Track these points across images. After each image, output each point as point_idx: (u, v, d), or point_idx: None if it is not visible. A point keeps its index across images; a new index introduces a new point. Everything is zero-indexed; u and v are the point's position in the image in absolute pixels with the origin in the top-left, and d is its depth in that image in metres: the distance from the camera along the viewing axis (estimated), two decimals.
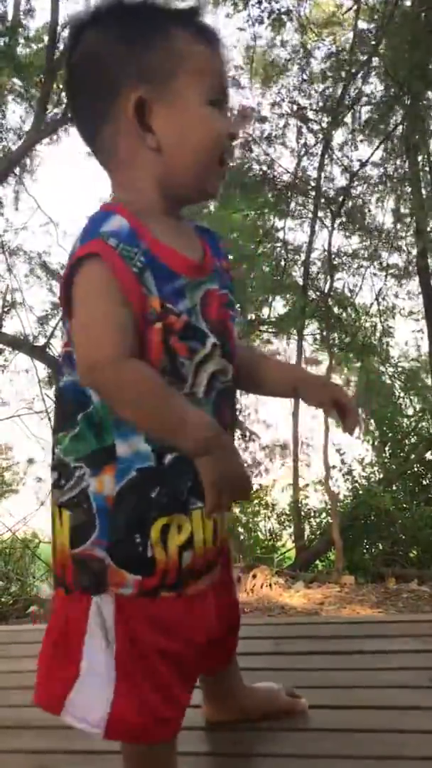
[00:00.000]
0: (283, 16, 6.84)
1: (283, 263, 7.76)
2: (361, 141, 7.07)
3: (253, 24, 6.92)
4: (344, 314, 8.01)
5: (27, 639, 2.01)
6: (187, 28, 0.97)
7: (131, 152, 0.97)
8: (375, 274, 7.99)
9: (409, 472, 7.48)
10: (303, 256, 7.77)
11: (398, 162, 7.16)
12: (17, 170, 8.04)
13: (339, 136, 7.39)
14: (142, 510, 0.95)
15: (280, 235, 7.83)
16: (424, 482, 7.58)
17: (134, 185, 0.98)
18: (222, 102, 0.99)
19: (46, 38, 7.33)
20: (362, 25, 7.27)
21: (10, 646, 1.96)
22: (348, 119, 7.09)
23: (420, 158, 7.37)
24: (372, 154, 6.90)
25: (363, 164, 6.92)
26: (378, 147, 6.84)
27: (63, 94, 7.64)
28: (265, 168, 7.17)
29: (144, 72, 0.95)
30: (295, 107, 7.04)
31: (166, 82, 0.95)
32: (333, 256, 7.33)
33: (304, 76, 7.32)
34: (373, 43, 6.74)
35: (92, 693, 0.95)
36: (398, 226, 7.39)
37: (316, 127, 7.30)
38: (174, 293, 0.94)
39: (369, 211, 7.48)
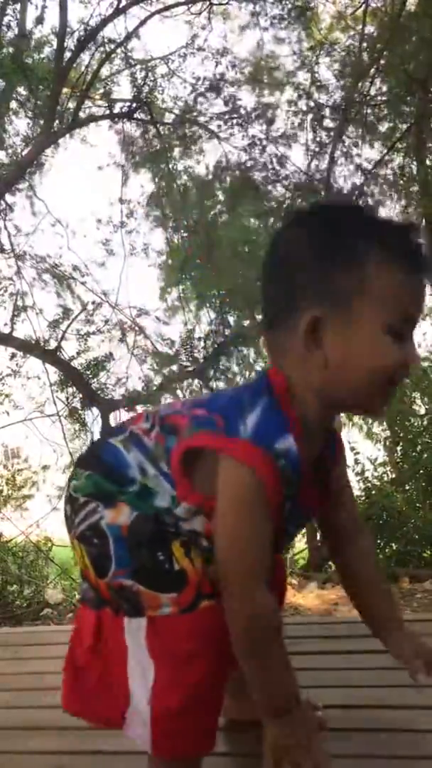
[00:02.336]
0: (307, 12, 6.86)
1: None
2: (370, 141, 7.07)
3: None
4: None
5: (40, 641, 2.03)
6: (388, 249, 0.93)
7: (300, 359, 0.96)
8: None
9: (421, 471, 7.43)
10: None
11: (406, 161, 7.14)
12: (27, 175, 8.08)
13: (348, 139, 7.41)
14: (160, 531, 0.98)
15: None
16: None
17: (300, 386, 0.98)
18: (405, 331, 0.95)
19: (54, 43, 7.35)
20: (369, 27, 7.27)
21: (23, 648, 1.97)
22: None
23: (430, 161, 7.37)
24: (385, 154, 6.88)
25: (377, 163, 6.90)
26: (391, 148, 6.82)
27: (70, 100, 7.74)
28: (277, 167, 7.17)
29: (326, 291, 0.93)
30: (311, 104, 7.02)
31: (346, 304, 0.93)
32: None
33: (317, 75, 7.31)
34: (378, 46, 6.74)
35: (139, 716, 0.98)
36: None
37: (329, 125, 7.29)
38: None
39: (379, 211, 7.46)
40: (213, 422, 0.95)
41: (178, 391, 8.15)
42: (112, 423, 8.29)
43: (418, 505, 7.05)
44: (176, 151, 8.48)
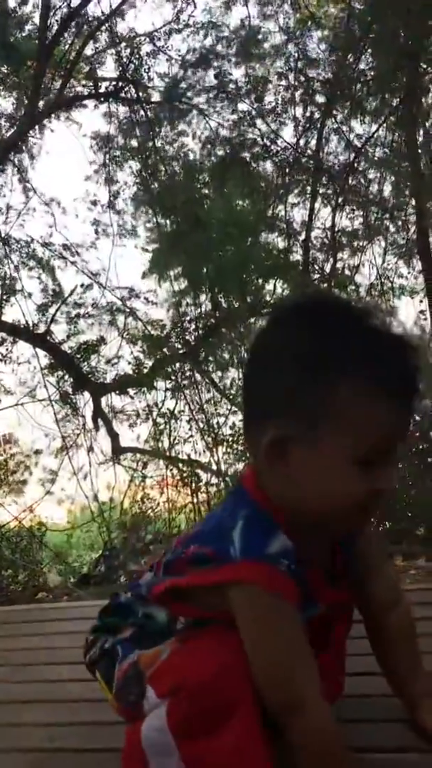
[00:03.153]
0: None
1: (284, 243, 7.70)
2: (362, 117, 6.99)
3: None
4: (345, 296, 7.95)
5: (34, 618, 2.02)
6: (369, 372, 0.84)
7: (267, 466, 0.91)
8: (375, 258, 7.92)
9: (413, 450, 7.44)
10: (303, 236, 7.71)
11: (395, 138, 7.08)
12: (13, 156, 7.97)
13: (339, 114, 7.34)
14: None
15: (281, 214, 7.76)
16: (430, 460, 7.53)
17: (274, 495, 0.93)
18: (378, 459, 0.87)
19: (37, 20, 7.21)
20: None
21: (19, 625, 1.97)
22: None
23: (420, 137, 7.31)
24: (377, 129, 6.81)
25: (368, 139, 6.83)
26: (382, 124, 6.75)
27: (54, 79, 7.63)
28: (267, 143, 7.08)
29: (294, 409, 0.87)
30: (302, 78, 6.92)
31: (312, 427, 0.86)
32: (337, 232, 7.26)
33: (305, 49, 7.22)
34: (369, 19, 6.65)
35: None
36: (399, 201, 7.32)
37: (319, 100, 7.21)
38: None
39: (369, 187, 7.41)
40: (205, 557, 0.93)
41: (171, 375, 8.11)
42: (104, 407, 8.27)
43: (410, 483, 7.08)
44: (164, 130, 8.38)
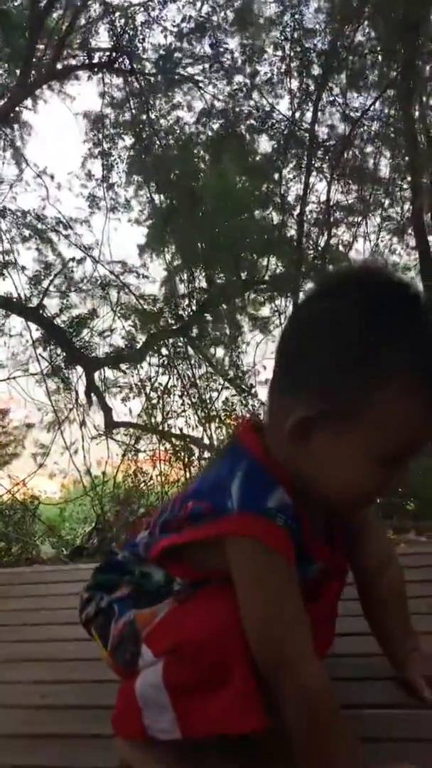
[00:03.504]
0: None
1: (278, 218, 7.64)
2: (359, 90, 6.91)
3: None
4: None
5: (27, 580, 2.04)
6: (422, 372, 0.80)
7: (285, 442, 0.88)
8: (370, 233, 7.87)
9: None
10: (297, 211, 7.65)
11: (393, 112, 7.00)
12: (5, 128, 7.85)
13: (335, 87, 7.24)
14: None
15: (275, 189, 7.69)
16: None
17: (281, 452, 0.91)
18: (400, 460, 0.85)
19: None
20: None
21: (12, 587, 1.98)
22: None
23: (417, 112, 7.23)
24: (374, 102, 6.73)
25: (364, 112, 6.74)
26: (378, 98, 6.67)
27: (47, 50, 7.48)
28: (262, 115, 6.99)
29: (330, 393, 0.83)
30: (298, 48, 6.80)
31: (345, 415, 0.82)
32: (332, 207, 7.20)
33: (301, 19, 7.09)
34: None
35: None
36: (395, 177, 7.26)
37: (315, 71, 7.10)
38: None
39: (365, 162, 7.34)
40: (201, 513, 0.91)
41: (164, 349, 8.08)
42: (97, 381, 8.25)
43: None
44: (158, 103, 8.26)
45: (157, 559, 1.00)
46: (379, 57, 6.56)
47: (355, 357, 0.81)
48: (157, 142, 7.98)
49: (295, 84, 7.19)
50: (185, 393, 7.78)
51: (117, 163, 8.37)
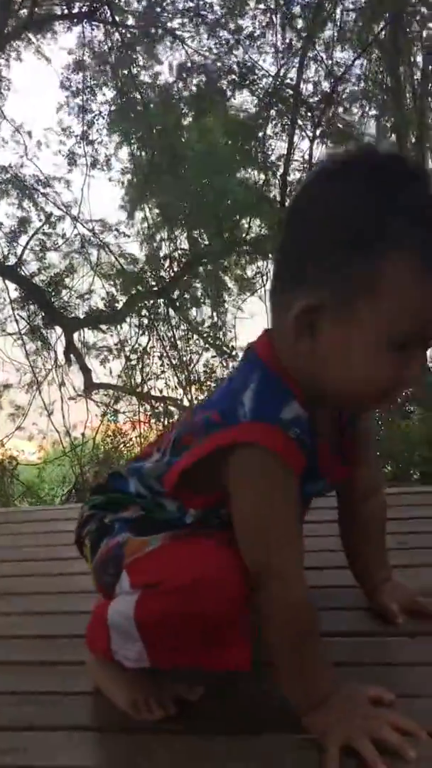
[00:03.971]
0: None
1: (262, 178, 7.53)
2: (344, 45, 6.76)
3: None
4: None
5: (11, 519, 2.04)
6: (422, 252, 0.75)
7: (290, 339, 0.83)
8: None
9: None
10: (281, 170, 7.54)
11: (380, 70, 6.89)
12: None
13: (320, 44, 7.08)
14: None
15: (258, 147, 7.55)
16: (398, 400, 7.63)
17: (289, 364, 0.86)
18: (413, 344, 0.80)
19: None
20: None
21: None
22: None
23: (402, 69, 7.11)
24: (357, 58, 6.59)
25: (347, 68, 6.62)
26: (361, 54, 6.54)
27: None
28: (244, 71, 6.83)
29: (334, 277, 0.78)
30: (281, 1, 6.61)
31: (350, 300, 0.77)
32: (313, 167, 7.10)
33: None
34: None
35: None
36: (381, 138, 7.16)
37: (299, 25, 6.92)
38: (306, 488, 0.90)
39: (350, 121, 7.23)
40: (211, 423, 0.87)
41: (144, 311, 8.01)
42: (76, 342, 8.17)
43: (380, 423, 7.17)
44: (140, 58, 8.05)
45: (173, 492, 0.95)
46: (365, 10, 6.40)
47: (358, 236, 0.76)
48: (139, 97, 7.78)
49: (278, 39, 7.03)
50: (165, 354, 7.75)
51: (97, 119, 8.17)
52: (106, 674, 0.98)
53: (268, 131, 7.44)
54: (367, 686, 0.90)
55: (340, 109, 7.02)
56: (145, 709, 0.93)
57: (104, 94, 8.23)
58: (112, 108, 7.98)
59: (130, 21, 8.04)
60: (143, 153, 7.96)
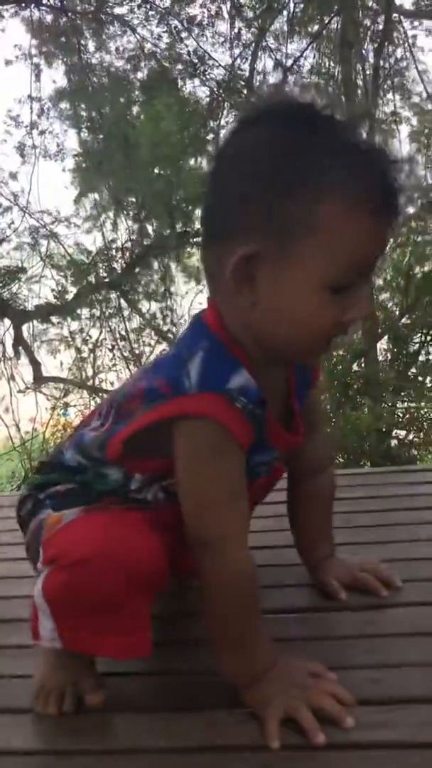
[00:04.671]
0: None
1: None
2: (296, 34, 6.76)
3: None
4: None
5: None
6: (354, 185, 0.74)
7: (230, 293, 0.81)
8: None
9: (336, 383, 7.60)
10: None
11: (331, 63, 6.92)
12: None
13: (271, 36, 7.07)
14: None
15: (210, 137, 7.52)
16: (350, 392, 7.74)
17: (234, 323, 0.85)
18: (354, 284, 0.79)
19: None
20: None
21: None
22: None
23: (354, 61, 7.14)
24: (306, 48, 6.61)
25: (296, 60, 6.63)
26: (311, 43, 6.55)
27: None
28: (195, 60, 6.77)
29: (269, 223, 0.76)
30: None
31: (288, 244, 0.76)
32: None
33: None
34: None
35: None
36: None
37: (249, 15, 6.89)
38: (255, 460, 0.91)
39: None
40: (157, 392, 0.84)
41: (95, 303, 7.91)
42: (25, 335, 8.01)
43: (331, 414, 7.26)
44: (90, 44, 7.91)
45: (117, 459, 0.93)
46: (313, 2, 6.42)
47: (288, 179, 0.75)
48: (89, 84, 7.66)
49: (226, 28, 6.98)
50: (116, 347, 7.67)
51: (46, 107, 8.01)
52: (38, 659, 0.96)
53: (222, 122, 7.42)
54: (305, 660, 0.89)
55: None
56: (43, 703, 0.91)
57: (55, 82, 8.09)
58: (62, 95, 7.83)
59: (80, 7, 7.90)
60: (94, 141, 7.83)
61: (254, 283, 0.79)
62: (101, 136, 7.69)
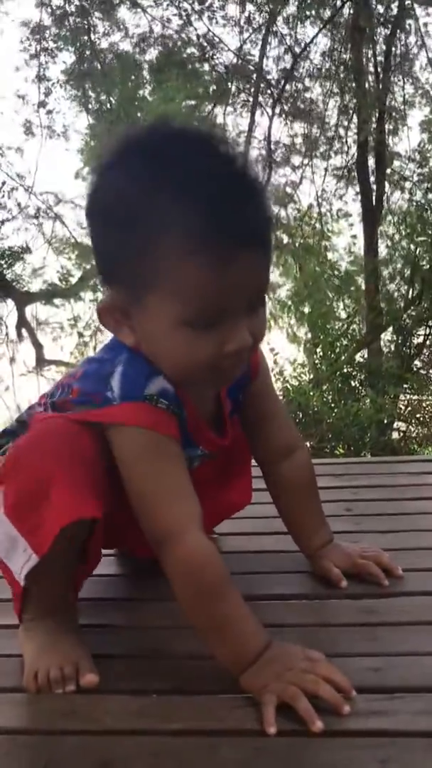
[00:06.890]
0: None
1: None
2: (307, 20, 6.66)
3: None
4: (283, 213, 7.83)
5: None
6: (190, 232, 0.74)
7: (112, 331, 0.89)
8: (315, 173, 7.77)
9: (337, 373, 7.59)
10: (242, 147, 7.45)
11: (342, 50, 6.83)
12: None
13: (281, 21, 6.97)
14: None
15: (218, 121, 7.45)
16: (352, 383, 7.72)
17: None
18: (218, 319, 0.80)
19: None
20: None
21: None
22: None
23: (365, 49, 7.06)
24: (317, 34, 6.52)
25: (307, 45, 6.54)
26: (322, 28, 6.47)
27: None
28: (204, 44, 6.69)
29: (121, 275, 0.82)
30: None
31: (141, 298, 0.81)
32: (272, 146, 7.05)
33: None
34: None
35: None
36: (341, 118, 7.14)
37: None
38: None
39: (312, 100, 7.17)
40: (88, 399, 0.91)
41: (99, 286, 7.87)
42: (28, 317, 8.00)
43: (332, 405, 7.23)
44: (100, 26, 7.83)
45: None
46: None
47: (135, 235, 0.78)
48: (98, 65, 7.58)
49: (238, 11, 6.88)
50: None
51: (55, 87, 7.95)
52: (27, 643, 0.95)
53: (230, 108, 7.36)
54: (301, 647, 0.87)
55: (301, 87, 6.95)
56: (37, 685, 0.89)
57: (65, 63, 8.01)
58: (71, 75, 7.76)
59: None
60: (102, 122, 7.76)
61: (132, 322, 0.85)
62: (108, 117, 7.62)
